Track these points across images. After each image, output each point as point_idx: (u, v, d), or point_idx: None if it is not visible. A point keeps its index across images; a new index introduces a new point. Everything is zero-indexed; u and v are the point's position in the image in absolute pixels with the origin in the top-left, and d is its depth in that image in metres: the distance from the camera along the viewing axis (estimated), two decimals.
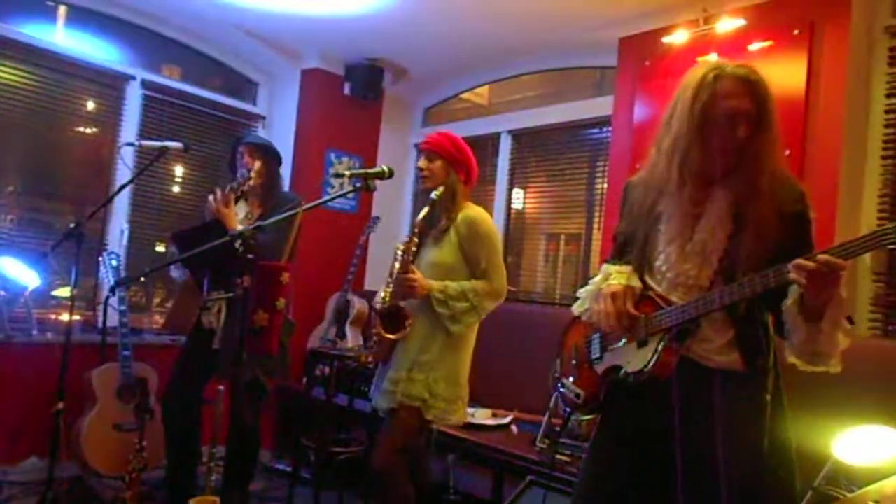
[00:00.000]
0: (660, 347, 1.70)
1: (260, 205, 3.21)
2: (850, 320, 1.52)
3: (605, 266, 1.90)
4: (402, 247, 2.67)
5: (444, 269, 2.65)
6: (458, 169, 2.72)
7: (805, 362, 1.58)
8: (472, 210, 2.71)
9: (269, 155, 3.25)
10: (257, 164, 3.16)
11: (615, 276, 1.81)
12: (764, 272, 1.51)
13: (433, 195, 2.67)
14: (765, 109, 1.65)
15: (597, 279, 1.88)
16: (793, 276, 1.44)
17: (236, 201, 3.13)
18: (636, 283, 1.78)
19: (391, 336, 2.62)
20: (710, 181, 1.72)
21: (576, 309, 1.94)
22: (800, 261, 1.43)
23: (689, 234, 1.73)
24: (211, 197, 3.06)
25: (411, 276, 2.59)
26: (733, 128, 1.64)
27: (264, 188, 3.22)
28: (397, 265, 2.66)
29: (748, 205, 1.66)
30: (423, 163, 2.74)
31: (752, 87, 1.66)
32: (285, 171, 4.81)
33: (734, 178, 1.68)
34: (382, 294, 2.69)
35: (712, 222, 1.70)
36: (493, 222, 2.76)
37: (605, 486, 1.85)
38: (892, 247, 1.36)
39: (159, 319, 4.48)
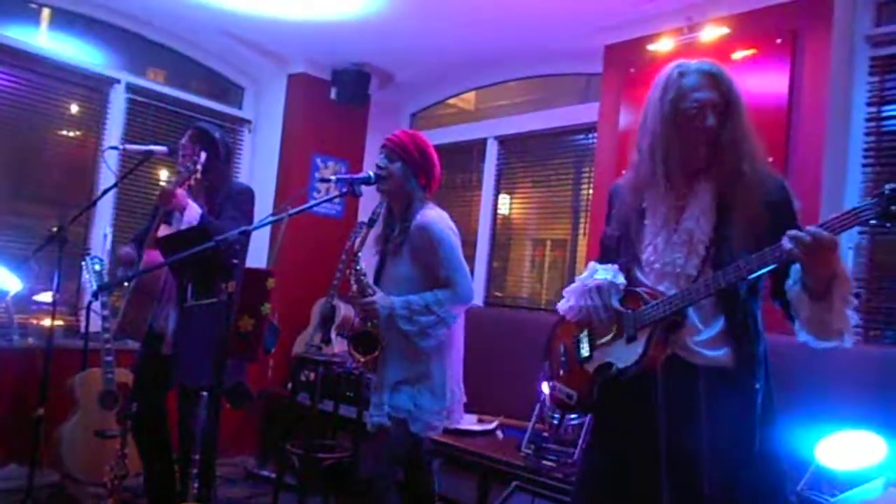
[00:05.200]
0: (649, 341, 1.72)
1: (206, 201, 2.96)
2: (857, 296, 1.56)
3: (591, 264, 1.93)
4: (352, 275, 2.56)
5: (406, 281, 2.53)
6: (418, 174, 2.56)
7: (815, 338, 1.60)
8: (424, 216, 2.52)
9: (211, 144, 2.97)
10: (203, 155, 2.88)
11: (601, 273, 1.85)
12: (761, 251, 1.54)
13: (371, 217, 2.60)
14: (730, 99, 1.73)
15: (582, 276, 1.90)
16: (788, 246, 1.47)
17: None
18: (621, 280, 1.81)
19: (362, 358, 2.54)
20: (693, 175, 1.79)
21: (561, 307, 1.95)
22: (794, 231, 1.47)
23: (675, 225, 1.78)
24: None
25: (368, 299, 2.50)
26: (703, 119, 1.71)
27: (208, 181, 2.96)
28: (356, 288, 2.55)
29: (732, 193, 1.72)
30: (381, 161, 2.55)
31: (715, 79, 1.74)
32: (270, 175, 4.88)
33: (715, 169, 1.75)
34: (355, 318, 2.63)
35: (697, 213, 1.76)
36: (447, 223, 2.56)
37: (601, 488, 1.85)
38: (872, 222, 1.42)
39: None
